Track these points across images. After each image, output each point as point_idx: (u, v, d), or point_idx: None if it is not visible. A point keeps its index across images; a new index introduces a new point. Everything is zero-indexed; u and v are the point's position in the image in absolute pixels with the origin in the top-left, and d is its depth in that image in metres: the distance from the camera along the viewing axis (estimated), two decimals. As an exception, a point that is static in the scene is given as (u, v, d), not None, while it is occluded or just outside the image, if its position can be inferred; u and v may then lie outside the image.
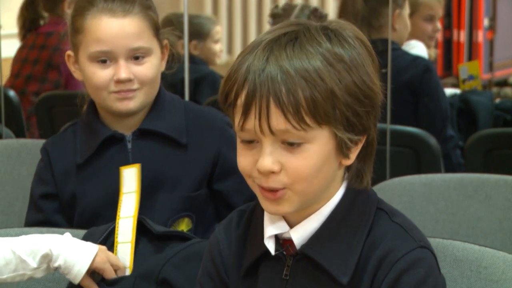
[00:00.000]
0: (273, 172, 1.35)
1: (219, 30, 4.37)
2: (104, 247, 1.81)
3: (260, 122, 1.33)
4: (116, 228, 1.83)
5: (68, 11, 4.04)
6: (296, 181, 1.35)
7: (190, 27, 4.06)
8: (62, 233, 1.92)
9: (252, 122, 1.34)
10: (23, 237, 1.78)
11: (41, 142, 2.36)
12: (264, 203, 1.39)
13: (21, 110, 3.80)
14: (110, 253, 1.81)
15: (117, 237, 1.83)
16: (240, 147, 1.39)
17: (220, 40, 4.35)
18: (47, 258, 1.75)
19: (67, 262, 1.75)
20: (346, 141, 1.36)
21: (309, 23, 1.40)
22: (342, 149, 1.37)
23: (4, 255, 1.74)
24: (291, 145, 1.34)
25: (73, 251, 1.76)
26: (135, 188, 1.81)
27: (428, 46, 3.69)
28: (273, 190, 1.36)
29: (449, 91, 3.67)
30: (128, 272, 1.82)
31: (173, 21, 4.06)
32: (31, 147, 2.49)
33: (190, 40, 4.05)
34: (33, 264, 1.75)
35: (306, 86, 1.32)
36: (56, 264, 1.76)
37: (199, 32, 4.12)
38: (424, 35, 3.65)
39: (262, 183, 1.36)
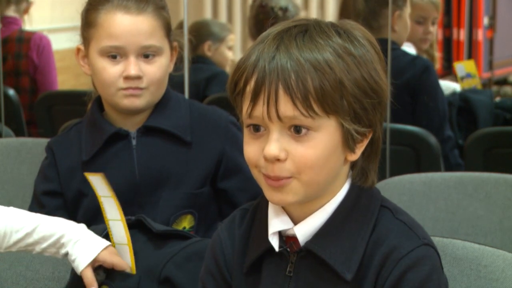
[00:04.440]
0: (279, 160, 1.35)
1: (233, 38, 4.47)
2: (114, 249, 1.82)
3: (269, 108, 1.34)
4: (108, 230, 1.83)
5: (12, 7, 4.00)
6: (302, 169, 1.36)
7: (207, 30, 4.20)
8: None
9: (260, 109, 1.35)
10: (39, 216, 1.83)
11: (41, 141, 2.36)
12: (268, 192, 1.39)
13: (21, 109, 3.80)
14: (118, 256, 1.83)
15: (112, 237, 1.83)
16: (247, 137, 1.40)
17: (233, 48, 4.42)
18: (57, 243, 1.80)
19: (74, 250, 1.78)
20: (352, 133, 1.37)
21: (319, 19, 1.41)
22: (348, 141, 1.38)
23: (17, 229, 1.81)
24: (298, 133, 1.35)
25: (83, 241, 1.79)
26: (109, 194, 1.81)
27: (419, 48, 3.66)
28: (278, 179, 1.37)
29: (449, 84, 3.66)
30: (131, 273, 1.82)
31: (194, 27, 4.16)
32: (31, 146, 2.49)
33: (205, 40, 4.14)
34: (44, 244, 1.80)
35: (315, 75, 1.34)
36: (64, 251, 1.79)
37: (215, 35, 4.22)
38: (415, 37, 3.63)
39: (268, 171, 1.37)
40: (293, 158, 1.36)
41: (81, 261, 1.78)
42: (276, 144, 1.35)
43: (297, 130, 1.35)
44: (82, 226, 1.83)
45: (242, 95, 1.38)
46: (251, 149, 1.39)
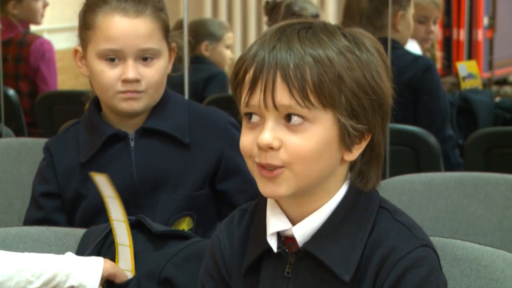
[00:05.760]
0: (272, 148, 1.35)
1: (231, 37, 4.45)
2: (109, 260, 1.80)
3: (265, 96, 1.35)
4: (112, 229, 1.83)
5: (14, 11, 4.02)
6: (295, 160, 1.36)
7: (204, 29, 4.18)
8: (61, 232, 1.92)
9: (257, 97, 1.36)
10: (28, 255, 1.77)
11: (41, 141, 2.36)
12: (261, 184, 1.39)
13: (21, 109, 3.80)
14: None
15: (115, 238, 1.83)
16: (243, 128, 1.40)
17: (231, 47, 4.40)
18: (53, 281, 1.74)
19: (79, 280, 1.74)
20: (348, 129, 1.37)
21: (326, 21, 1.42)
22: (344, 138, 1.38)
23: (5, 271, 1.73)
24: (291, 122, 1.35)
25: (82, 268, 1.75)
26: (113, 194, 1.80)
27: (421, 47, 3.67)
28: (271, 169, 1.37)
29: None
30: (131, 275, 1.81)
31: (191, 27, 4.16)
32: (31, 146, 2.49)
33: (202, 40, 4.13)
34: (36, 284, 1.73)
35: (314, 66, 1.34)
36: (67, 285, 1.74)
37: (212, 35, 4.20)
38: (416, 37, 3.64)
39: (261, 159, 1.37)
40: (287, 147, 1.36)
41: (92, 286, 1.74)
42: (270, 132, 1.35)
43: (289, 118, 1.35)
44: (69, 254, 1.79)
45: (242, 84, 1.39)
46: (246, 139, 1.39)
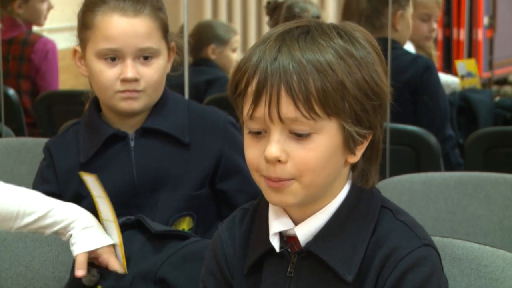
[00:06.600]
0: (279, 161, 1.35)
1: (238, 40, 4.40)
2: (113, 249, 1.82)
3: (270, 110, 1.34)
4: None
5: (19, 11, 4.02)
6: (303, 172, 1.36)
7: (211, 32, 4.15)
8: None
9: (262, 110, 1.35)
10: (53, 201, 1.85)
11: (41, 141, 2.36)
12: (268, 194, 1.39)
13: (21, 109, 3.80)
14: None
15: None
16: (247, 139, 1.40)
17: (237, 50, 4.38)
18: (68, 227, 1.82)
19: (79, 235, 1.80)
20: (353, 135, 1.37)
21: (321, 21, 1.42)
22: (349, 143, 1.38)
23: (30, 212, 1.83)
24: (299, 136, 1.35)
25: (91, 231, 1.81)
26: (102, 194, 1.81)
27: (423, 46, 3.67)
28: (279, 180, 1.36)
29: (448, 78, 3.67)
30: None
31: (198, 29, 4.12)
32: (31, 146, 2.49)
33: (209, 43, 4.10)
34: (55, 228, 1.82)
35: (317, 76, 1.34)
36: (70, 233, 1.81)
37: (219, 38, 4.16)
38: (420, 35, 3.64)
39: (270, 173, 1.36)
40: (294, 160, 1.35)
41: (80, 247, 1.79)
42: (276, 145, 1.35)
43: (298, 134, 1.35)
44: (94, 217, 1.84)
45: (243, 96, 1.38)
46: (252, 153, 1.38)
